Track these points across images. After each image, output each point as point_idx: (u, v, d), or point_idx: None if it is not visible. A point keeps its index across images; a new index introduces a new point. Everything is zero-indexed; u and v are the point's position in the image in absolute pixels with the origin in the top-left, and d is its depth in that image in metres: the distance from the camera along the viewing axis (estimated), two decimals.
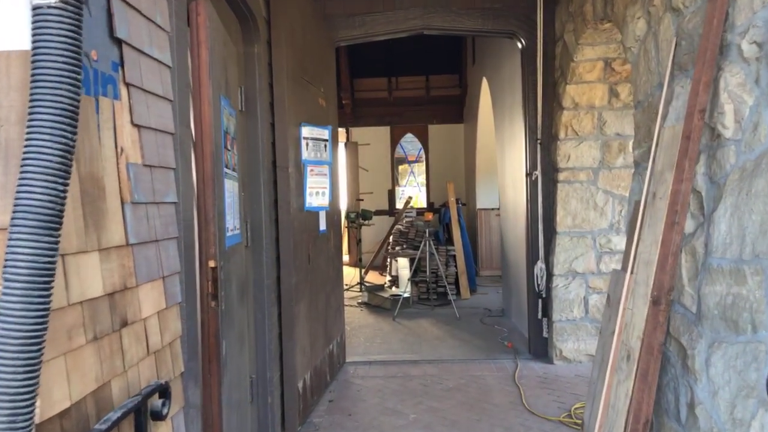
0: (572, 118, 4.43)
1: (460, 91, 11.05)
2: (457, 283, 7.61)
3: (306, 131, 3.57)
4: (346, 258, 11.46)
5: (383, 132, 11.27)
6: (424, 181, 11.77)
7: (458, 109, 11.22)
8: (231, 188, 2.57)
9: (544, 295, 4.62)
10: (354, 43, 4.95)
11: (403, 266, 7.45)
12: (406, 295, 6.89)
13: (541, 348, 4.70)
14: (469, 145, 10.50)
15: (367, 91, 11.24)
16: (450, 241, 8.20)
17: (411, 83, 11.21)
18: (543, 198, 4.61)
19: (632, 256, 2.54)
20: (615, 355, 2.48)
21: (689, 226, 2.06)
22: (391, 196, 11.35)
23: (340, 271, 4.59)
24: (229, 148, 2.56)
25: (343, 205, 12.98)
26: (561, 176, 4.49)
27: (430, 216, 6.61)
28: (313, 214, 3.76)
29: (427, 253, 6.70)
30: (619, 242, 4.47)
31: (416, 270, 7.26)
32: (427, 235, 6.59)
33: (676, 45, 2.40)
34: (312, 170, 3.62)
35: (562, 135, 4.46)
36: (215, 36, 2.35)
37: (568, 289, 4.52)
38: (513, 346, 5.08)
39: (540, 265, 4.61)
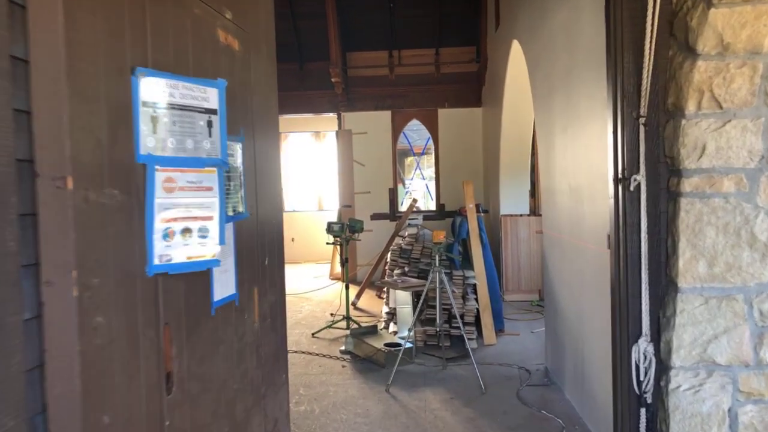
0: (714, 74, 2.34)
1: (478, 67, 8.93)
2: (477, 321, 5.55)
3: (151, 88, 1.51)
4: (338, 269, 9.43)
5: (383, 118, 9.18)
6: (434, 178, 9.68)
7: (475, 88, 9.11)
8: None
9: (649, 401, 2.55)
10: None
11: (403, 302, 5.38)
12: (407, 344, 4.84)
13: None
14: (490, 134, 8.39)
15: (364, 68, 9.15)
16: (467, 259, 6.14)
17: (417, 57, 9.11)
18: (649, 223, 2.52)
19: None
20: None
21: None
22: (393, 195, 9.31)
23: (279, 357, 2.53)
24: None
25: (334, 210, 10.91)
26: (686, 184, 2.41)
27: (441, 235, 4.53)
28: (191, 276, 1.70)
29: (438, 289, 4.63)
30: None
31: (424, 301, 5.22)
32: (437, 263, 4.51)
33: None
34: (170, 180, 1.56)
35: (690, 107, 2.38)
36: None
37: (700, 395, 2.44)
38: None
39: (643, 346, 2.53)
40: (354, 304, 7.31)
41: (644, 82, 2.46)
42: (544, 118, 4.51)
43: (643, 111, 2.51)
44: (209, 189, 1.67)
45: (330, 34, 8.51)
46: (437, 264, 4.51)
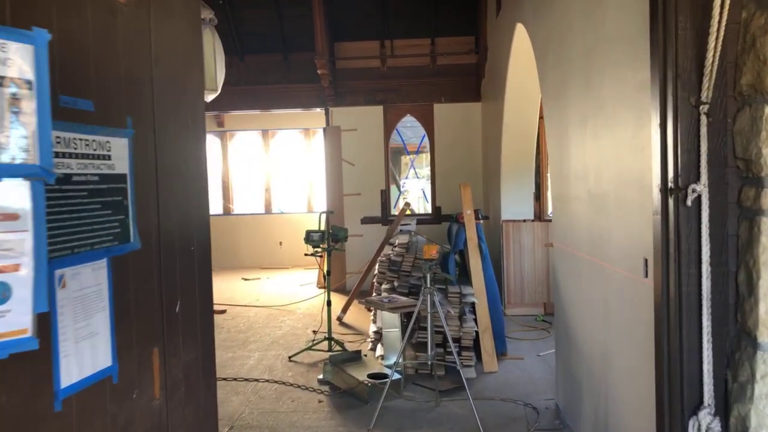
0: None
1: (477, 58, 8.24)
2: (477, 343, 4.85)
3: None
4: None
5: (374, 113, 8.48)
6: (428, 178, 8.98)
7: (474, 81, 8.41)
8: None
9: None
10: None
11: (390, 325, 4.68)
12: (395, 375, 4.13)
13: None
14: (490, 132, 7.69)
15: (353, 59, 8.45)
16: (464, 272, 5.44)
17: (411, 48, 8.41)
18: (712, 250, 1.83)
19: None
20: None
21: None
22: (385, 198, 8.61)
23: None
24: None
25: (320, 212, 10.18)
26: (767, 198, 1.72)
27: (433, 250, 3.83)
28: None
29: (429, 313, 3.93)
30: None
31: (415, 322, 4.52)
32: (428, 283, 3.81)
33: None
34: None
35: None
36: None
37: None
38: None
39: (705, 421, 1.83)
40: (340, 319, 6.62)
41: (709, 54, 1.76)
42: (556, 110, 3.81)
43: (705, 96, 1.81)
44: (13, 217, 0.97)
45: (316, 23, 7.79)
46: (428, 284, 3.81)
